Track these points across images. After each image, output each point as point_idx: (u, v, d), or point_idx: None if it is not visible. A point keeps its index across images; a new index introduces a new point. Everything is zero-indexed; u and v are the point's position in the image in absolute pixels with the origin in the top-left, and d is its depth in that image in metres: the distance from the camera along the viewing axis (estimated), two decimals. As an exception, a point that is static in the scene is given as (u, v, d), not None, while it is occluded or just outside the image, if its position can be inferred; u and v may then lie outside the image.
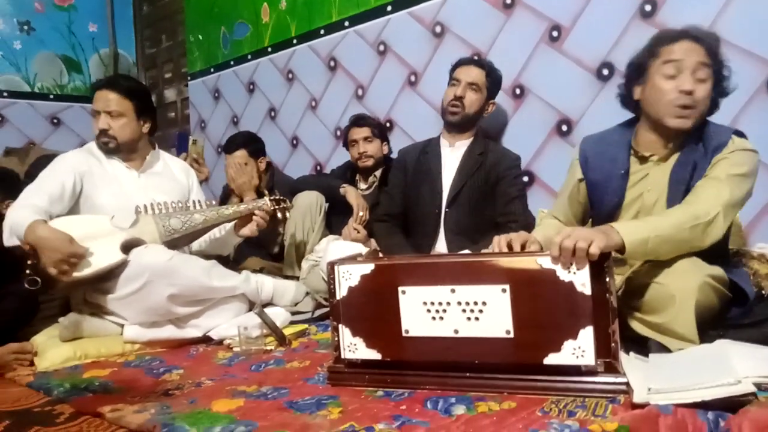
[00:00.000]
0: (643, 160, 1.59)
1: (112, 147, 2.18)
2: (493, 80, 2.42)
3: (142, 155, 2.28)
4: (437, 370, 1.31)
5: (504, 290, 1.24)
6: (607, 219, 1.58)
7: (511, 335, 1.24)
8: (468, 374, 1.28)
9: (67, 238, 1.83)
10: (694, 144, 1.51)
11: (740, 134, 1.52)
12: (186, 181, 2.40)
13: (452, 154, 2.37)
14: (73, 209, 2.09)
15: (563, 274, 1.20)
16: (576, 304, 1.19)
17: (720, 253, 1.54)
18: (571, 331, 1.19)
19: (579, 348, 1.19)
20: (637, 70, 1.56)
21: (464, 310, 1.27)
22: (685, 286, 1.34)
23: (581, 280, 1.19)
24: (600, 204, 1.67)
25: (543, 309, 1.22)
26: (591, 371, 1.19)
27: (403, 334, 1.32)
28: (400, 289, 1.32)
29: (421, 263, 1.38)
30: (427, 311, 1.30)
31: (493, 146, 2.39)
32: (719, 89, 1.50)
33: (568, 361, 1.20)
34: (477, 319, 1.27)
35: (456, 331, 1.28)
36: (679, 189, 1.50)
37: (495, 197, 2.30)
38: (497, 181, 2.30)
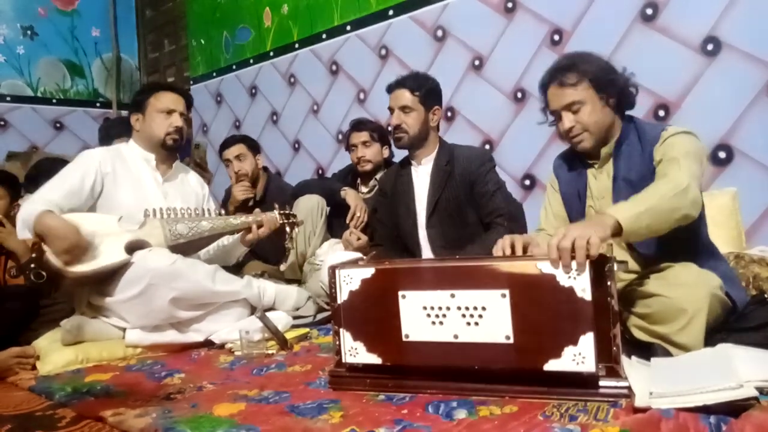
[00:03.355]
0: (590, 165, 1.71)
1: (178, 146, 2.31)
2: (426, 91, 2.28)
3: (170, 164, 2.35)
4: (437, 375, 1.30)
5: (503, 295, 1.22)
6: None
7: (511, 341, 1.22)
8: (468, 379, 1.27)
9: (74, 228, 1.86)
10: (629, 143, 1.62)
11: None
12: (201, 192, 2.46)
13: (421, 173, 2.32)
14: (92, 207, 2.12)
15: (563, 279, 1.18)
16: (576, 310, 1.16)
17: (708, 250, 1.60)
18: (571, 337, 1.17)
19: (579, 354, 1.16)
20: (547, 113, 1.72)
21: (464, 315, 1.26)
22: (695, 300, 1.35)
23: (581, 285, 1.17)
24: (570, 212, 1.77)
25: (543, 314, 1.19)
26: (592, 377, 1.18)
27: (404, 339, 1.31)
28: (400, 293, 1.31)
29: (421, 267, 1.37)
30: (426, 316, 1.29)
31: (459, 151, 2.31)
32: (611, 92, 1.60)
33: (568, 367, 1.17)
34: (477, 324, 1.25)
35: (456, 336, 1.27)
36: (623, 185, 1.58)
37: (475, 200, 2.24)
38: (472, 185, 2.23)
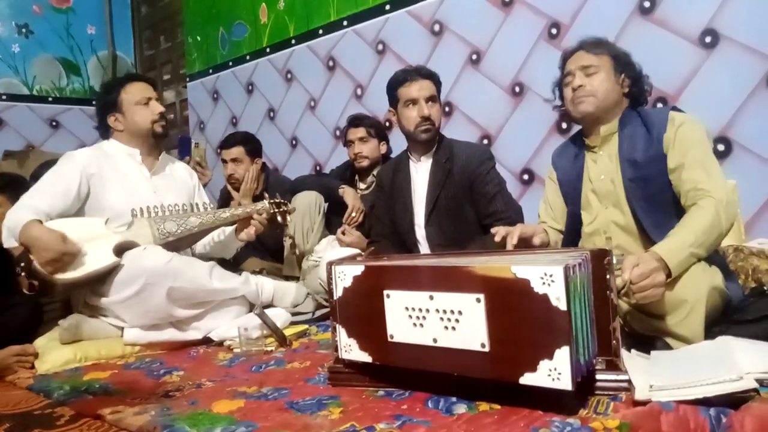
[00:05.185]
0: (589, 149, 1.75)
1: (165, 133, 2.28)
2: (439, 84, 2.26)
3: (156, 156, 2.32)
4: (421, 378, 1.27)
5: (478, 300, 1.14)
6: (574, 214, 1.75)
7: (487, 349, 1.14)
8: (450, 387, 1.23)
9: (59, 237, 1.84)
10: (632, 125, 1.65)
11: (676, 110, 1.65)
12: (191, 182, 2.43)
13: (421, 169, 2.27)
14: (80, 210, 2.09)
15: (538, 286, 1.08)
16: (551, 320, 1.07)
17: None
18: (546, 351, 1.07)
19: (555, 370, 1.06)
20: (559, 87, 1.81)
21: (441, 319, 1.19)
22: (695, 291, 1.36)
23: (556, 293, 1.06)
24: (566, 198, 1.79)
25: (518, 323, 1.11)
26: (568, 396, 1.09)
27: (389, 339, 1.27)
28: (385, 292, 1.28)
29: (403, 266, 1.33)
30: (408, 317, 1.24)
31: (458, 147, 2.25)
32: (627, 74, 1.69)
33: (543, 382, 1.08)
34: (454, 328, 1.18)
35: (435, 340, 1.21)
36: (627, 166, 1.62)
37: (474, 199, 2.19)
38: (471, 184, 2.18)
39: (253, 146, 2.98)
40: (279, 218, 2.31)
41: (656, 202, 1.58)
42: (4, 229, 1.90)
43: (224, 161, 2.98)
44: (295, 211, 2.49)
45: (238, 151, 2.92)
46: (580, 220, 1.73)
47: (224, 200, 3.10)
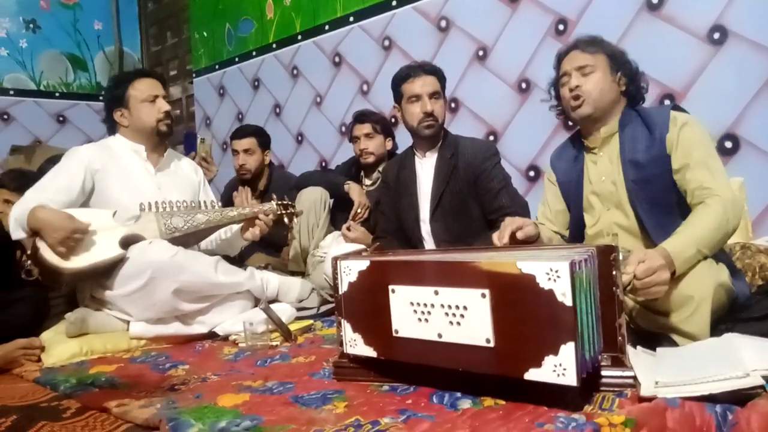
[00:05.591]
0: (589, 150, 1.73)
1: (172, 130, 2.29)
2: (444, 81, 2.27)
3: (161, 152, 2.32)
4: (425, 373, 1.27)
5: (483, 295, 1.14)
6: (577, 217, 1.74)
7: (492, 344, 1.13)
8: (454, 382, 1.23)
9: (66, 216, 1.85)
10: (632, 125, 1.64)
11: (677, 108, 1.64)
12: (196, 178, 2.44)
13: (426, 165, 2.28)
14: (84, 205, 2.10)
15: (543, 281, 1.07)
16: (556, 315, 1.06)
17: None
18: (552, 346, 1.06)
19: (560, 365, 1.05)
20: (555, 87, 1.78)
21: (447, 314, 1.19)
22: (701, 288, 1.36)
23: (561, 289, 1.05)
24: (568, 202, 1.78)
25: (523, 318, 1.10)
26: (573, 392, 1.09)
27: (394, 334, 1.27)
28: (390, 287, 1.28)
29: (408, 261, 1.33)
30: (413, 312, 1.24)
31: (463, 143, 2.26)
32: (623, 73, 1.67)
33: (549, 378, 1.07)
34: (459, 324, 1.18)
35: (440, 336, 1.20)
36: (629, 167, 1.60)
37: (479, 195, 2.20)
38: (476, 179, 2.19)
39: (264, 139, 3.02)
40: (286, 220, 2.32)
41: (659, 203, 1.57)
42: (12, 221, 1.92)
43: (235, 151, 2.98)
44: (302, 213, 2.50)
45: (250, 141, 2.94)
46: (583, 223, 1.72)
47: (230, 193, 3.10)
